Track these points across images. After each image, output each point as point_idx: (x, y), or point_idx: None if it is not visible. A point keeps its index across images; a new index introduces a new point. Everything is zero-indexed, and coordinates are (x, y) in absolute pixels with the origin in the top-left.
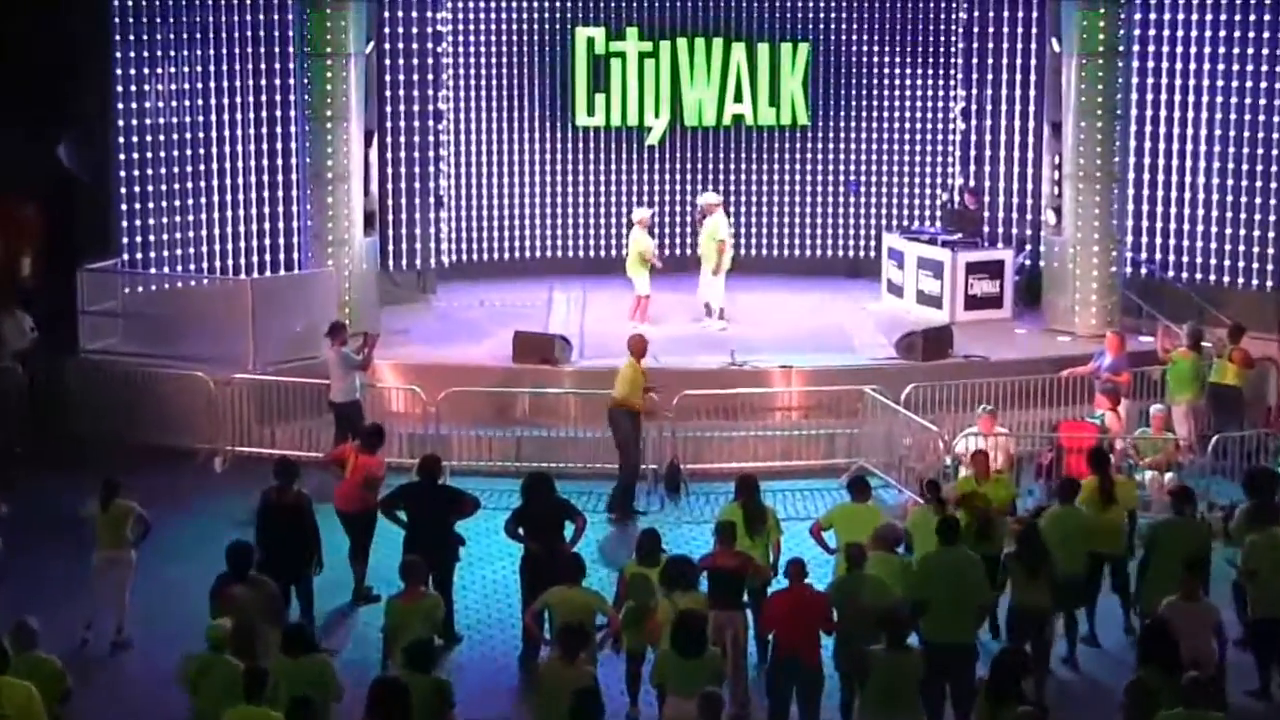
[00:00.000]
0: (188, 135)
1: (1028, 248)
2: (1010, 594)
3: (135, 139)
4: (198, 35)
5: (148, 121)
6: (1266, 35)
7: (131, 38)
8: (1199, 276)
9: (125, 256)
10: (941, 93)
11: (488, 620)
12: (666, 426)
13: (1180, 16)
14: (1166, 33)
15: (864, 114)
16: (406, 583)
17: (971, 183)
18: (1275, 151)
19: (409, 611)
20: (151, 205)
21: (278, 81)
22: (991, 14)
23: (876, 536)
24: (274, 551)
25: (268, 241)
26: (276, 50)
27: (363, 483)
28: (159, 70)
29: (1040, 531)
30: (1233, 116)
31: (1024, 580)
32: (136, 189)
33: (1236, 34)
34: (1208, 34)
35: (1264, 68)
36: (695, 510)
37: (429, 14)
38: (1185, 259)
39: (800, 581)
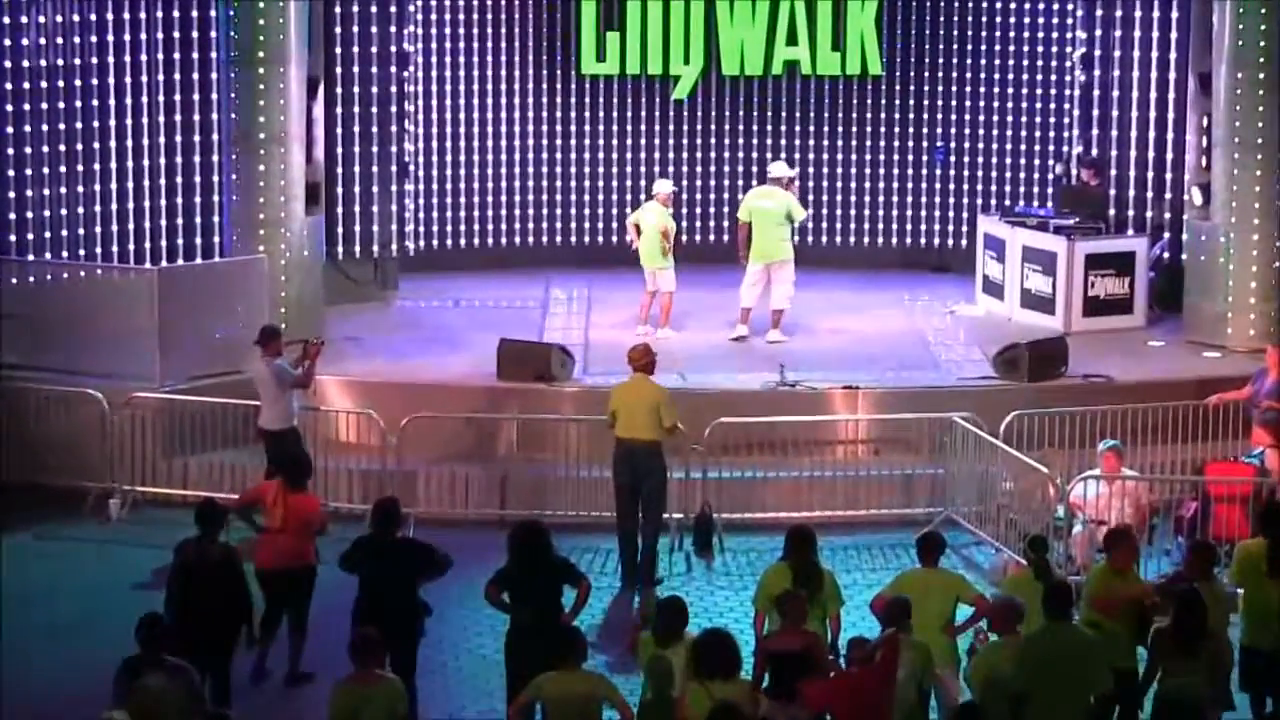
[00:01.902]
0: (76, 83)
1: (1166, 236)
2: (1159, 680)
3: (6, 87)
4: None
5: (24, 65)
6: None
7: None
8: None
9: None
10: (1055, 35)
11: (461, 713)
12: (695, 464)
13: None
14: None
15: (953, 62)
16: (357, 663)
17: (1093, 151)
18: None
19: (361, 699)
20: (29, 173)
21: (194, 14)
22: None
23: (994, 614)
24: (192, 625)
25: (180, 221)
26: None
27: (298, 530)
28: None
29: (1202, 600)
30: None
31: (1177, 661)
32: (10, 152)
33: None
34: None
35: None
36: (731, 573)
37: None
38: None
39: (865, 666)
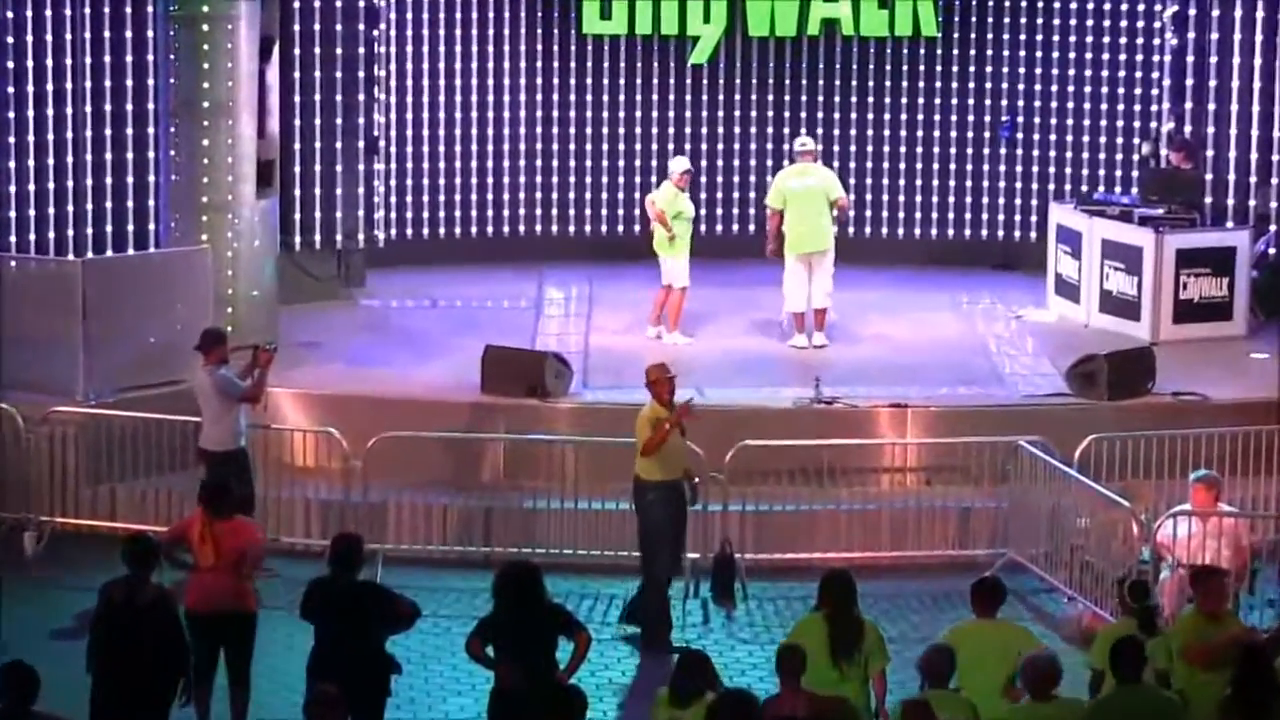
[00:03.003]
0: None
1: (1272, 229)
2: None
3: None
4: None
5: None
6: None
7: None
8: None
9: None
10: None
11: None
12: (715, 496)
13: None
14: None
15: (1020, 22)
16: None
17: (1186, 129)
18: None
19: None
20: None
21: None
22: None
23: (1027, 674)
24: (119, 678)
25: (108, 204)
26: None
27: (231, 567)
28: None
29: (1266, 652)
30: None
31: None
32: None
33: None
34: None
35: None
36: (756, 624)
37: None
38: None
39: None
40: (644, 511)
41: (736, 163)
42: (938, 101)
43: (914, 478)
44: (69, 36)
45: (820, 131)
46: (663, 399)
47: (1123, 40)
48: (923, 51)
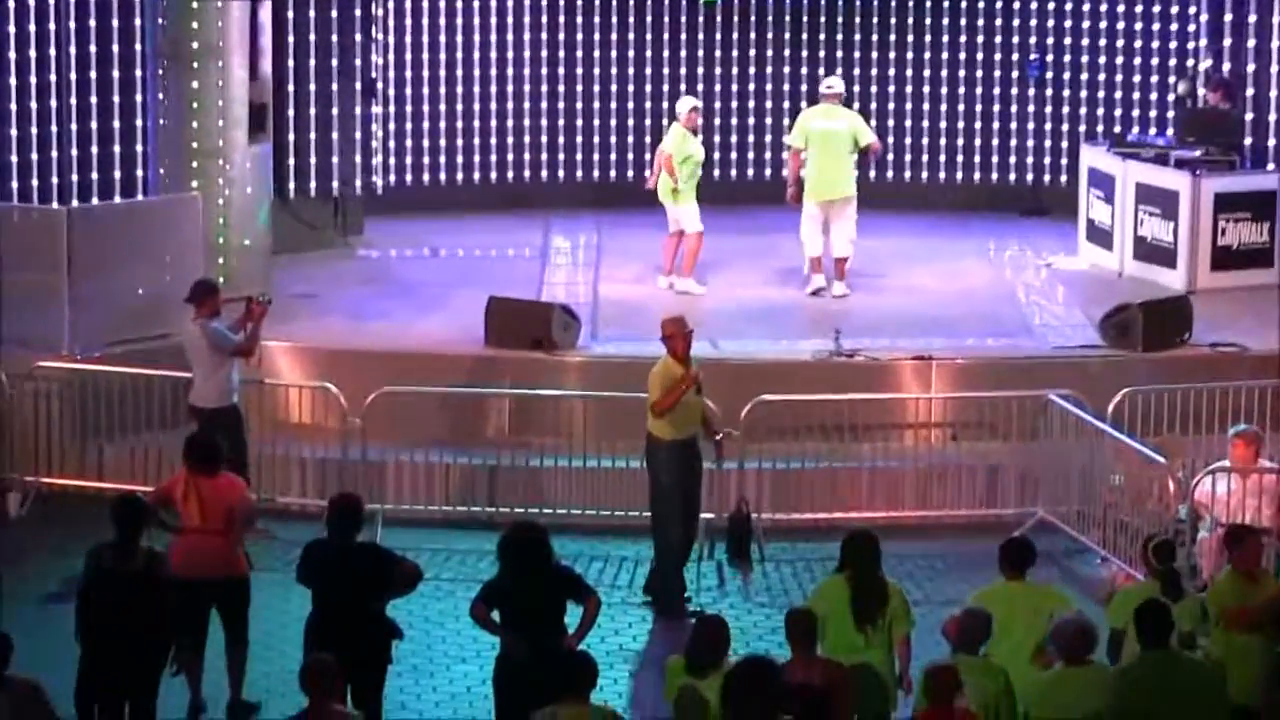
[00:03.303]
0: None
1: None
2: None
3: None
4: None
5: None
6: None
7: None
8: None
9: None
10: None
11: None
12: (731, 453)
13: None
14: None
15: None
16: (311, 695)
17: (1225, 66)
18: None
19: None
20: None
21: None
22: None
23: (1058, 639)
24: (108, 646)
25: (94, 150)
26: None
27: (221, 528)
28: None
29: None
30: None
31: None
32: None
33: None
34: None
35: None
36: (774, 588)
37: None
38: None
39: (947, 701)
40: (655, 472)
41: (752, 104)
42: (963, 39)
43: (939, 433)
44: None
45: (839, 71)
46: (678, 354)
47: None
48: None
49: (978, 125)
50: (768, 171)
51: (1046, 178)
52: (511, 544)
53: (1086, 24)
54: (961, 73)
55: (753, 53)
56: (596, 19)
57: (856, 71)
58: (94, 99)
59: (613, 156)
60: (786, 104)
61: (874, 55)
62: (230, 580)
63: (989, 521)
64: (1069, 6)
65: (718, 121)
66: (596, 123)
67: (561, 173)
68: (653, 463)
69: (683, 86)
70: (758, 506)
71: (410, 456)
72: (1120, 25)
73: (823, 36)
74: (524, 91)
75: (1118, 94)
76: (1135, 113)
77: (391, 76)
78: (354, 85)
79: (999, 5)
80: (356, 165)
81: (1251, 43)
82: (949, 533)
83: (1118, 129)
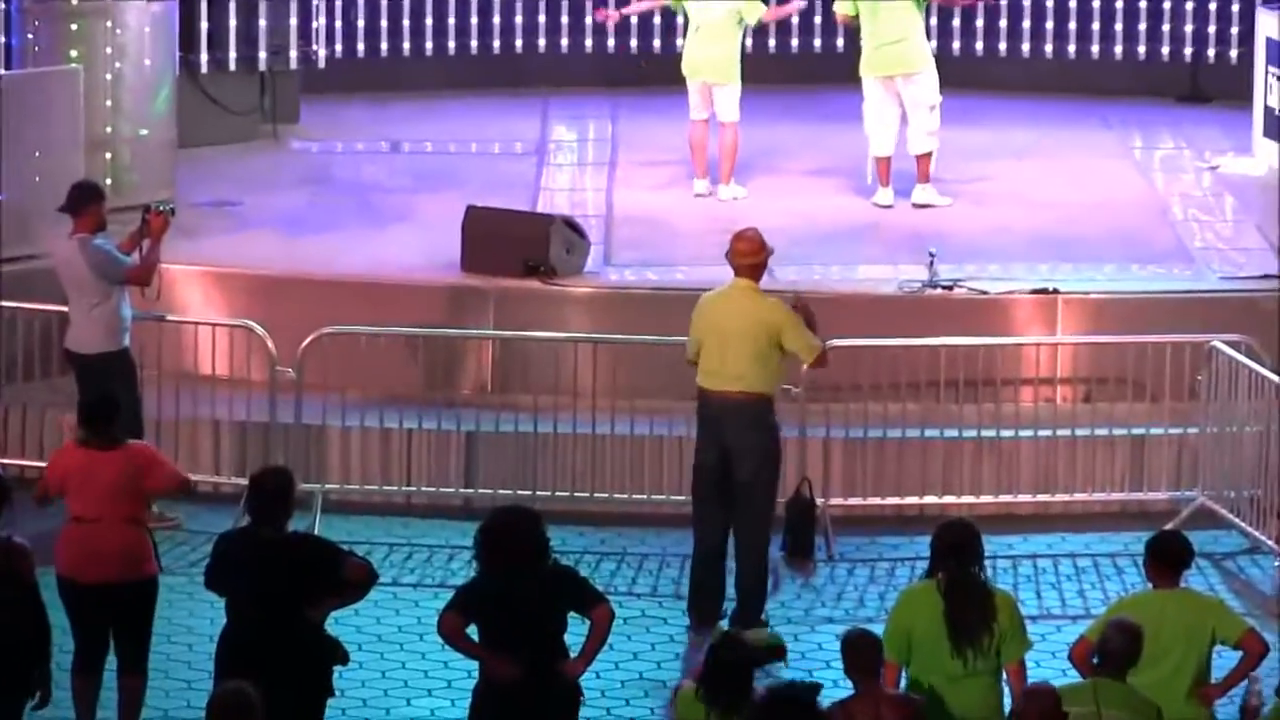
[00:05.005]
0: None
1: None
2: None
3: None
4: None
5: None
6: None
7: None
8: None
9: None
10: None
11: None
12: (789, 417)
13: None
14: None
15: None
16: None
17: None
18: None
19: None
20: None
21: None
22: None
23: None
24: None
25: None
26: None
27: (126, 514)
28: None
29: None
30: None
31: None
32: None
33: None
34: None
35: None
36: (845, 593)
37: None
38: None
39: None
40: (776, 446)
41: None
42: None
43: (1067, 392)
44: None
45: None
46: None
47: None
48: None
49: None
50: (817, 41)
51: (1211, 51)
52: (494, 536)
53: None
54: None
55: None
56: None
57: None
58: None
59: (633, 20)
60: None
61: None
62: (134, 584)
63: (1132, 510)
64: None
65: None
66: None
67: (564, 40)
68: (771, 433)
69: None
70: (823, 489)
71: (360, 420)
72: None
73: None
74: None
75: None
76: None
77: None
78: None
79: None
80: (290, 30)
81: None
82: (1079, 525)
83: None
